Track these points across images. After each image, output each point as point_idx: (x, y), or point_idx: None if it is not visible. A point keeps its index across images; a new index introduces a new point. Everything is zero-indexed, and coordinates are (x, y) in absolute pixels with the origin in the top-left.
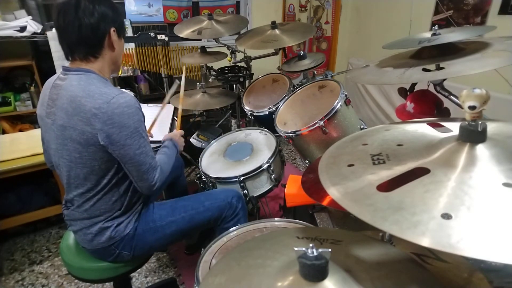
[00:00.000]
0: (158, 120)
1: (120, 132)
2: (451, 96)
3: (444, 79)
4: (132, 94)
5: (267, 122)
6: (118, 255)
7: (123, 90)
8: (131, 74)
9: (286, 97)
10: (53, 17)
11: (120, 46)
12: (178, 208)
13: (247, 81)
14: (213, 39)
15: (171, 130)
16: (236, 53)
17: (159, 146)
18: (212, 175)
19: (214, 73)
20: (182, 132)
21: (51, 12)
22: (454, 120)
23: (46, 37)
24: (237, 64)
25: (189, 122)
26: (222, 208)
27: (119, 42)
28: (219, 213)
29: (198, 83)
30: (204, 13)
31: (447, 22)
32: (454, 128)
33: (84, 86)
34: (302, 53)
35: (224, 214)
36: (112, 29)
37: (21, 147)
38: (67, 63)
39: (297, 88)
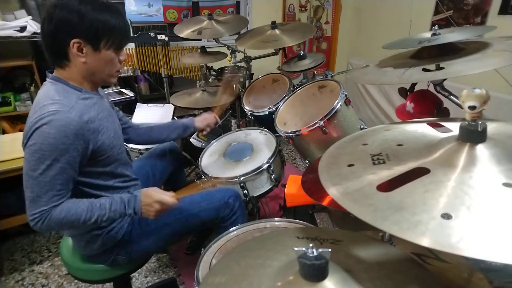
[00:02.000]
0: (157, 120)
1: (29, 145)
2: (451, 96)
3: (444, 79)
4: (73, 118)
5: (267, 122)
6: (114, 260)
7: (81, 112)
8: (131, 74)
9: (286, 97)
10: None
11: (98, 59)
12: (173, 210)
13: (247, 81)
14: (213, 39)
15: None
16: (236, 53)
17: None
18: (212, 175)
19: (214, 73)
20: (170, 201)
21: None
22: (454, 120)
23: None
24: (237, 64)
25: None
26: (219, 208)
27: (94, 55)
28: (216, 214)
29: (197, 82)
30: (204, 13)
31: (447, 22)
32: (454, 128)
33: (40, 96)
34: (302, 53)
35: (221, 215)
36: (73, 41)
37: (21, 147)
38: None
39: (297, 88)
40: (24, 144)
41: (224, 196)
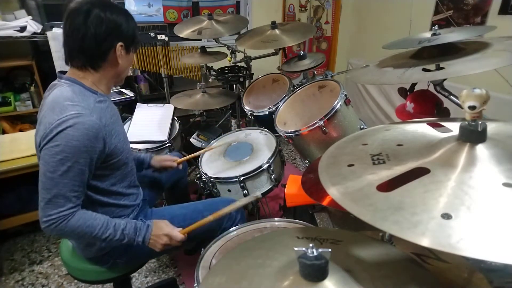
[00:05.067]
0: (157, 120)
1: (50, 146)
2: (451, 96)
3: (444, 79)
4: (95, 121)
5: (267, 122)
6: (113, 263)
7: (95, 114)
8: (131, 74)
9: (286, 97)
10: (63, 20)
11: (127, 61)
12: (176, 217)
13: (247, 81)
14: (213, 39)
15: (171, 130)
16: (236, 53)
17: (159, 147)
18: (212, 175)
19: (214, 73)
20: (178, 237)
21: (51, 12)
22: (454, 120)
23: (46, 37)
24: (237, 64)
25: (189, 122)
26: (222, 219)
27: (126, 58)
28: (218, 225)
29: (198, 83)
30: (204, 13)
31: (447, 22)
32: (454, 128)
33: (57, 97)
34: (302, 53)
35: (223, 226)
36: (119, 44)
37: (21, 147)
38: (67, 66)
39: (297, 88)
40: (43, 145)
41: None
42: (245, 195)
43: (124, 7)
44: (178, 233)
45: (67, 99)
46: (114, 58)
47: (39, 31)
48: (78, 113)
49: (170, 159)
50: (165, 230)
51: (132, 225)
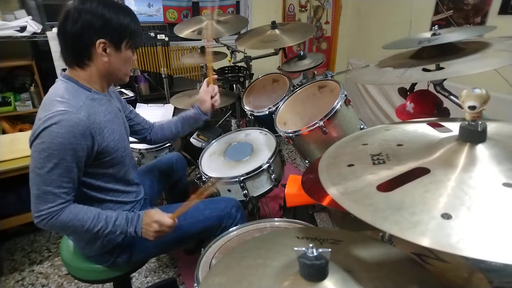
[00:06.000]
0: (157, 120)
1: (37, 143)
2: (451, 96)
3: (444, 79)
4: (81, 119)
5: (267, 122)
6: (113, 262)
7: (87, 112)
8: (131, 74)
9: (286, 97)
10: None
11: (119, 59)
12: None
13: (247, 81)
14: (213, 39)
15: None
16: (236, 53)
17: (159, 147)
18: (212, 175)
19: (214, 73)
20: (167, 222)
21: (51, 12)
22: (454, 120)
23: (46, 37)
24: (237, 64)
25: None
26: (222, 217)
27: (116, 55)
28: (218, 222)
29: (198, 83)
30: (204, 13)
31: (447, 22)
32: (454, 128)
33: (51, 94)
34: (302, 53)
35: (224, 224)
36: (98, 41)
37: (21, 147)
38: None
39: (297, 88)
40: (32, 142)
41: (227, 206)
42: (245, 195)
43: (113, 2)
44: (167, 218)
45: (57, 95)
46: (98, 55)
47: (39, 31)
48: (64, 110)
49: (207, 93)
50: (155, 217)
51: (124, 216)
